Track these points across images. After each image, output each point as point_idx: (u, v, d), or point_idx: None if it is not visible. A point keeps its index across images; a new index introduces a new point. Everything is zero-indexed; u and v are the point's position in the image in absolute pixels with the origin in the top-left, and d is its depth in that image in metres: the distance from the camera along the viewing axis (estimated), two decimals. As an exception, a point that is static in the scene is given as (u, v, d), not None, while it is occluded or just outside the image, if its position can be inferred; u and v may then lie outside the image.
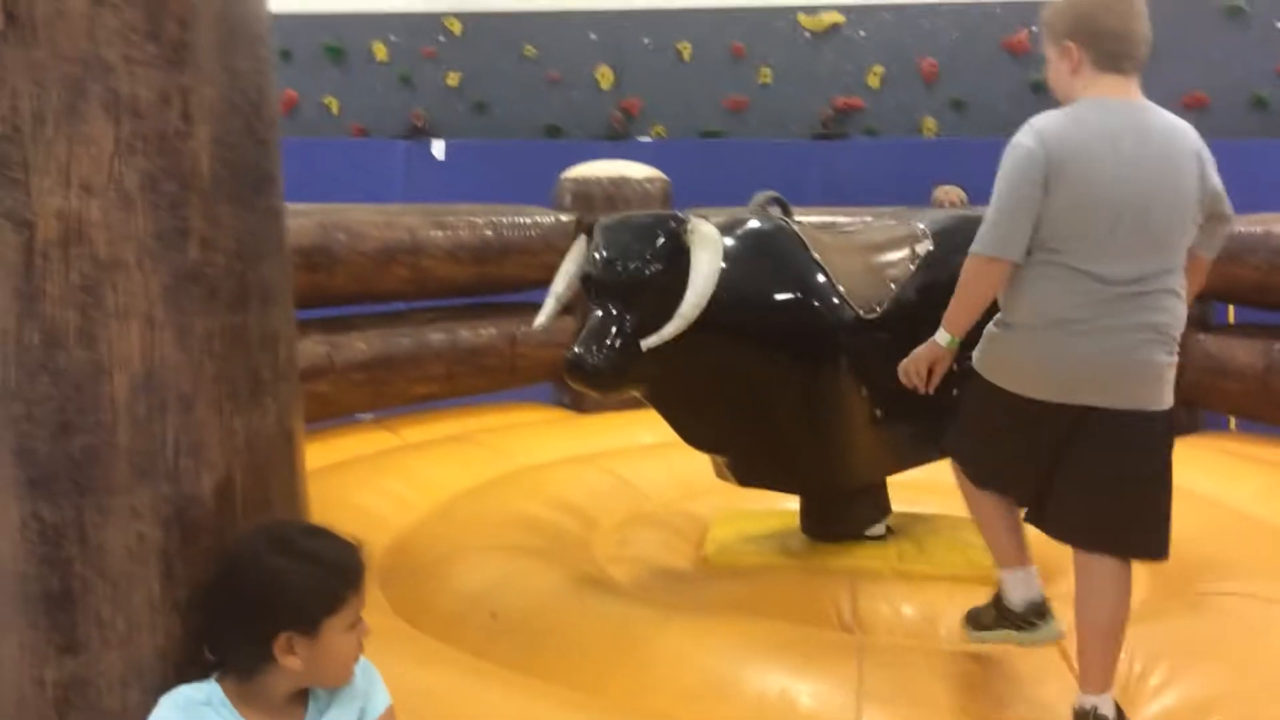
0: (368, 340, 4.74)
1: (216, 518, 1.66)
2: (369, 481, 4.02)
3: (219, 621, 1.62)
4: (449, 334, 5.07)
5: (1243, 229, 4.75)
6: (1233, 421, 5.21)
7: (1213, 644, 2.73)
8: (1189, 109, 6.15)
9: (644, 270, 2.96)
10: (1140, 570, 3.35)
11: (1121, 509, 2.43)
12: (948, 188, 3.72)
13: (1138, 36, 2.42)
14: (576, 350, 2.93)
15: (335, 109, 7.54)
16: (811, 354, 3.19)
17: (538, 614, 2.92)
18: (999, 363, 2.51)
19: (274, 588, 1.58)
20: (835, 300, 3.21)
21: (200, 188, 1.60)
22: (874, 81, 6.73)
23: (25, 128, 1.48)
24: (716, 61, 6.99)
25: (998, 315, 2.54)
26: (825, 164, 6.51)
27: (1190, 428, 5.05)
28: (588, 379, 2.93)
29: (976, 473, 2.65)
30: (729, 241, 3.13)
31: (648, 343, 2.88)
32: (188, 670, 1.63)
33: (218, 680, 1.62)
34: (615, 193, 5.18)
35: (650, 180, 5.35)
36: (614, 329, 2.92)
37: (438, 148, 6.95)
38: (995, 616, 2.72)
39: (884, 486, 3.64)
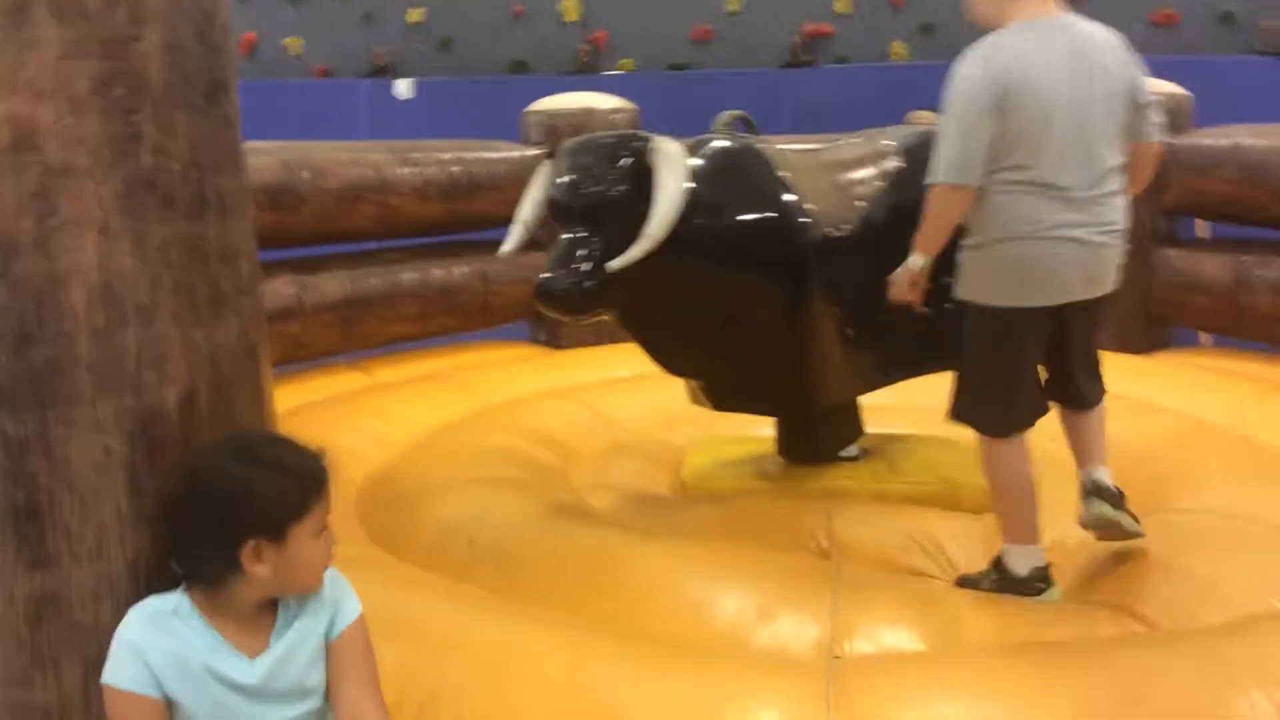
0: (338, 280, 4.69)
1: (181, 430, 1.64)
2: (343, 420, 3.99)
3: (185, 532, 1.60)
4: (420, 273, 5.03)
5: (1209, 143, 4.76)
6: (1204, 336, 5.24)
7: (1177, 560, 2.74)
8: (1158, 26, 6.14)
9: (608, 191, 2.93)
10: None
11: (1096, 367, 2.94)
12: (922, 113, 3.68)
13: None
14: (545, 275, 2.91)
15: (296, 50, 7.40)
16: (780, 274, 3.18)
17: (515, 540, 2.93)
18: (993, 282, 2.66)
19: (239, 495, 1.57)
20: (803, 219, 3.19)
21: (152, 93, 1.56)
22: (843, 7, 6.66)
23: (-31, 32, 1.44)
24: (682, -9, 6.91)
25: (970, 241, 2.67)
26: (796, 93, 6.45)
27: (1160, 343, 5.09)
28: (557, 303, 2.91)
29: (1001, 416, 2.75)
30: (695, 161, 3.10)
31: (614, 265, 2.86)
32: (156, 582, 1.62)
33: (186, 591, 1.62)
34: (582, 125, 5.11)
35: (618, 111, 5.30)
36: (582, 252, 2.90)
37: (404, 86, 6.85)
38: (996, 581, 2.78)
39: (857, 408, 3.65)
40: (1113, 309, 4.91)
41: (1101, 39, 2.65)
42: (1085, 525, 2.84)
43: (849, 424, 3.66)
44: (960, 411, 2.81)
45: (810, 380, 3.34)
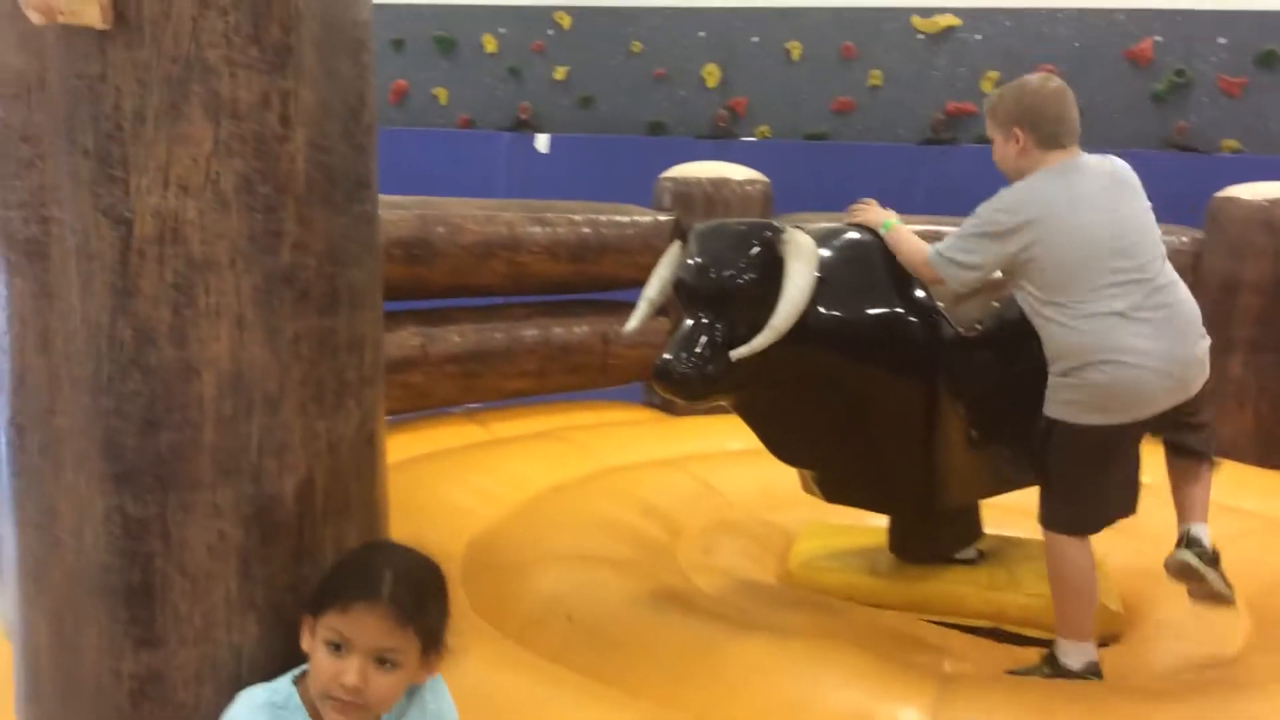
0: (462, 333, 4.76)
1: (296, 519, 1.67)
2: (456, 476, 4.04)
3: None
4: (542, 330, 5.07)
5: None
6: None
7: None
8: None
9: (737, 279, 2.91)
10: (1242, 611, 3.23)
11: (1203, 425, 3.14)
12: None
13: (1071, 120, 2.91)
14: (666, 357, 2.90)
15: (444, 99, 7.61)
16: (906, 371, 3.11)
17: (615, 620, 2.90)
18: (1080, 407, 2.81)
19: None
20: (933, 316, 3.12)
21: (295, 191, 1.60)
22: (988, 87, 6.56)
23: (127, 126, 1.50)
24: (826, 62, 6.89)
25: (1056, 368, 2.84)
26: (933, 170, 6.36)
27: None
28: (675, 386, 2.89)
29: (1089, 520, 2.89)
30: (825, 252, 3.06)
31: (737, 353, 2.83)
32: (263, 669, 1.64)
33: (295, 683, 1.62)
34: (715, 194, 5.13)
35: (751, 182, 5.29)
36: (704, 337, 2.88)
37: (541, 141, 6.98)
38: (1049, 676, 2.84)
39: (977, 509, 3.54)
40: (1256, 419, 4.75)
41: (1118, 164, 2.96)
42: (1170, 571, 3.10)
43: (967, 525, 3.55)
44: (1056, 519, 2.91)
45: (930, 481, 3.25)
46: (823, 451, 3.26)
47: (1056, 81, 2.98)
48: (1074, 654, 2.86)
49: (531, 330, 5.02)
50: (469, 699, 1.83)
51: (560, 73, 7.33)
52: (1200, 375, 2.89)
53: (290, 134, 1.58)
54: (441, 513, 3.64)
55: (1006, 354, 3.16)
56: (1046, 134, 2.89)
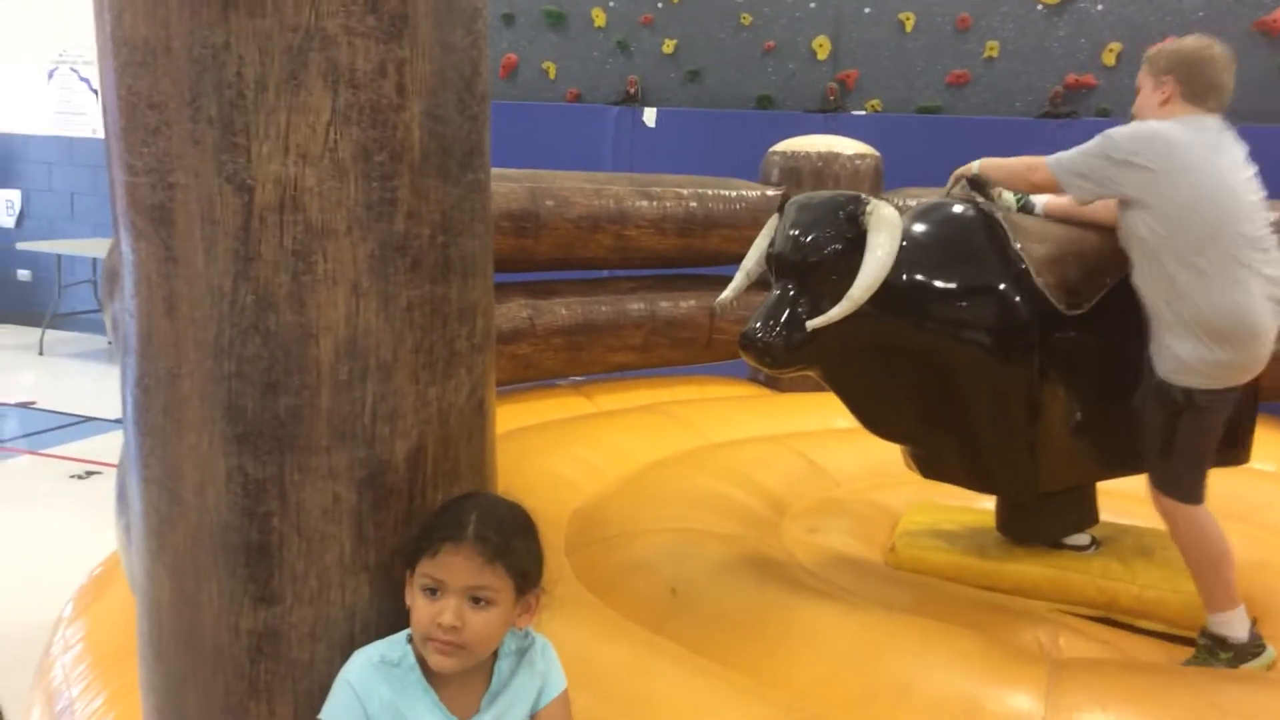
0: (569, 306, 4.80)
1: (407, 484, 1.70)
2: (562, 447, 4.08)
3: None
4: (648, 304, 5.08)
5: None
6: None
7: None
8: None
9: (819, 250, 2.88)
10: None
11: None
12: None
13: (1225, 87, 2.87)
14: (751, 326, 2.91)
15: (553, 73, 7.65)
16: (1001, 348, 3.01)
17: (719, 595, 2.90)
18: (1233, 367, 2.78)
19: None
20: (1032, 294, 3.02)
21: (410, 160, 1.61)
22: (1110, 59, 6.34)
23: (249, 94, 1.53)
24: (940, 34, 6.73)
25: (1205, 330, 2.75)
26: (1051, 144, 6.11)
27: None
28: (758, 355, 2.89)
29: (1202, 485, 2.86)
30: (920, 226, 3.03)
31: (814, 323, 2.82)
32: (376, 628, 1.67)
33: (410, 642, 1.65)
34: (824, 168, 5.06)
35: (861, 156, 5.20)
36: (788, 307, 2.88)
37: (649, 115, 6.96)
38: (1229, 658, 2.80)
39: (1092, 493, 3.43)
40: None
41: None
42: None
43: (1080, 509, 3.44)
44: (1171, 487, 2.89)
45: (1028, 462, 3.16)
46: (914, 427, 3.21)
47: (1224, 48, 2.93)
48: (1235, 623, 2.83)
49: (637, 304, 5.03)
50: (572, 666, 1.84)
51: (669, 46, 7.30)
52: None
53: (406, 103, 1.60)
54: (546, 484, 3.67)
55: (1116, 333, 3.06)
56: (1197, 90, 2.85)
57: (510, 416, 4.40)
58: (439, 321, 1.68)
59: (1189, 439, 2.84)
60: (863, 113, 6.86)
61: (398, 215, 1.61)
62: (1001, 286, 3.02)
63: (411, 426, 1.68)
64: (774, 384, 5.35)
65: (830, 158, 5.16)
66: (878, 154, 5.28)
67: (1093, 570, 3.28)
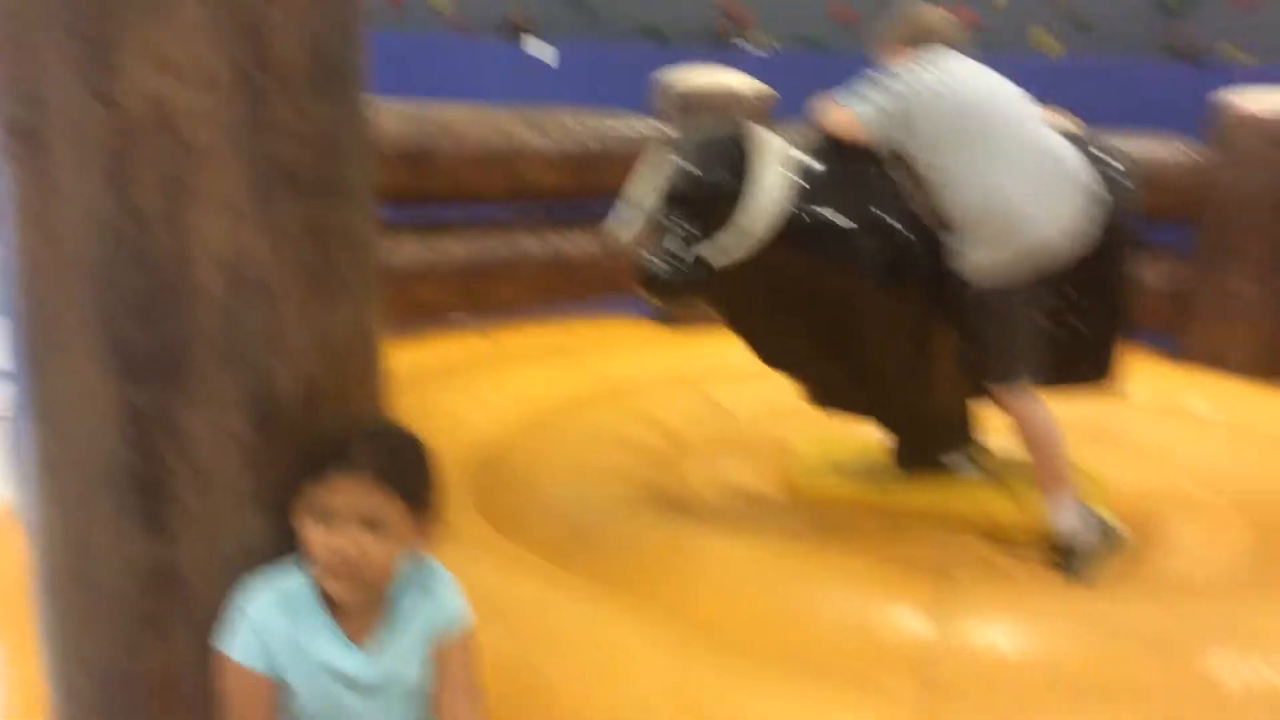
0: (464, 245, 4.74)
1: (299, 413, 1.66)
2: (462, 388, 4.06)
3: None
4: (546, 242, 5.04)
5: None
6: None
7: None
8: None
9: (708, 181, 2.91)
10: (1242, 525, 3.25)
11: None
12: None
13: (948, 38, 3.12)
14: (647, 260, 2.92)
15: (442, 6, 7.46)
16: (891, 279, 3.06)
17: (620, 529, 2.92)
18: (1018, 257, 2.94)
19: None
20: (919, 224, 3.07)
21: (287, 79, 1.56)
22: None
23: (117, 10, 1.46)
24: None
25: (957, 228, 2.96)
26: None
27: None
28: (654, 289, 2.92)
29: (1012, 367, 3.04)
30: (807, 157, 3.06)
31: (705, 255, 2.85)
32: (274, 560, 1.64)
33: (305, 569, 1.63)
34: (715, 101, 5.05)
35: (751, 91, 5.21)
36: (682, 241, 2.90)
37: (543, 50, 6.85)
38: (1065, 552, 2.99)
39: (975, 421, 3.53)
40: (1261, 337, 4.73)
41: None
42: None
43: (964, 434, 3.55)
44: (1005, 372, 3.04)
45: (916, 390, 3.25)
46: (807, 358, 3.26)
47: (939, 12, 3.20)
48: (1067, 510, 3.02)
49: (534, 242, 4.99)
50: (478, 602, 1.82)
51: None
52: (1084, 237, 3.01)
53: (280, 20, 1.54)
54: (448, 424, 3.64)
55: None
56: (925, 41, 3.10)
57: (408, 357, 4.34)
58: (323, 246, 1.64)
59: (984, 327, 3.01)
60: (753, 47, 6.85)
61: (275, 135, 1.56)
62: (890, 217, 3.06)
63: (299, 353, 1.64)
64: (674, 322, 5.37)
65: (720, 91, 5.15)
66: (769, 88, 5.29)
67: (978, 496, 3.39)
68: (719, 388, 4.35)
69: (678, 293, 2.92)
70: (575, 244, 5.13)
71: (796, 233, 2.93)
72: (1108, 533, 3.02)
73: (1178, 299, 5.02)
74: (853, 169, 3.08)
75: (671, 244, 2.90)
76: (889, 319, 3.10)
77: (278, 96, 1.56)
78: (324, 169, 1.64)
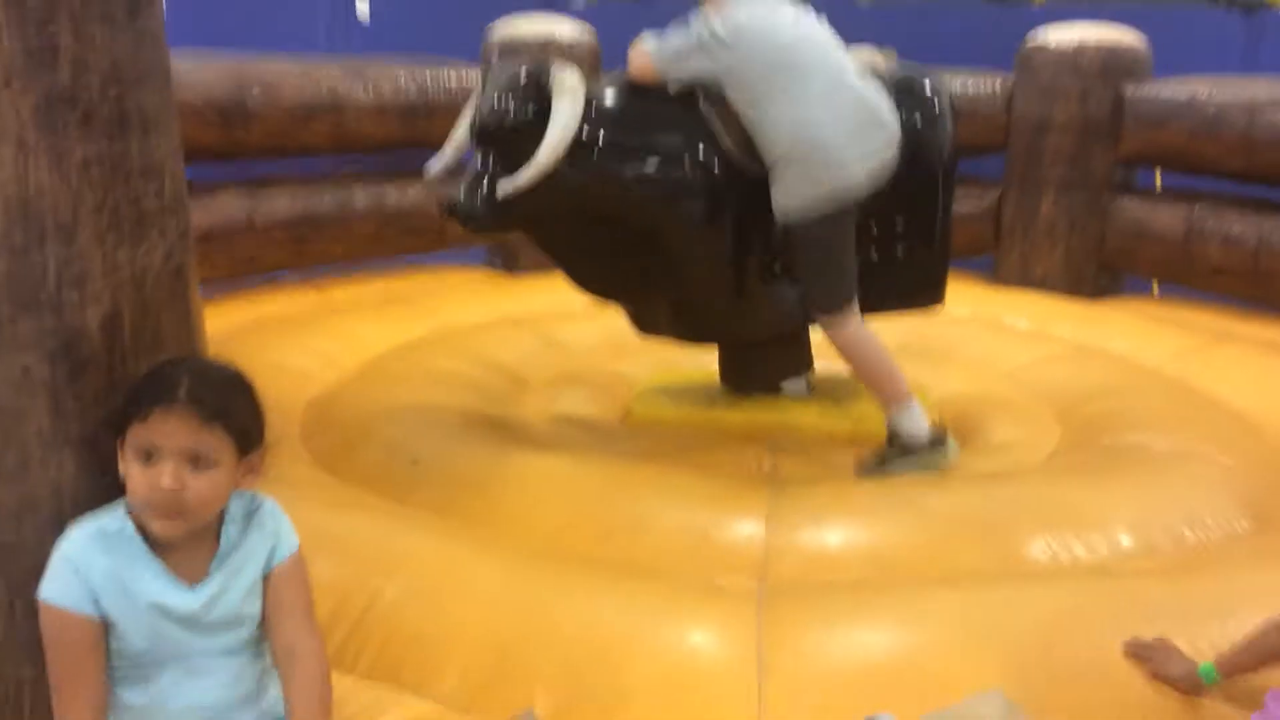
0: (290, 198, 4.63)
1: (105, 353, 1.62)
2: (293, 340, 3.98)
3: None
4: (375, 194, 4.97)
5: (1167, 94, 4.76)
6: (1155, 286, 5.29)
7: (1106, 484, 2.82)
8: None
9: (510, 116, 2.98)
10: (1051, 422, 3.48)
11: None
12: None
13: None
14: (455, 192, 2.99)
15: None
16: (693, 207, 3.14)
17: (460, 462, 2.93)
18: (808, 194, 3.02)
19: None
20: (720, 155, 3.15)
21: (69, 4, 1.51)
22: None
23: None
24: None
25: (774, 166, 3.03)
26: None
27: (1112, 291, 5.13)
28: (461, 219, 3.00)
29: (838, 294, 3.13)
30: (615, 92, 3.13)
31: (503, 187, 2.91)
32: (86, 503, 1.61)
33: (129, 513, 1.60)
34: (542, 49, 5.04)
35: (579, 39, 5.22)
36: (489, 174, 2.96)
37: (361, 6, 6.68)
38: (899, 453, 3.10)
39: (806, 341, 3.66)
40: (1066, 254, 5.02)
41: None
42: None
43: (793, 355, 3.68)
44: (828, 302, 3.14)
45: (730, 314, 3.34)
46: (624, 285, 3.35)
47: None
48: (908, 418, 3.14)
49: (364, 194, 4.91)
50: (310, 537, 1.82)
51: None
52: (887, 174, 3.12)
53: (59, -59, 1.49)
54: (279, 376, 3.57)
55: None
56: None
57: (236, 312, 4.25)
58: (121, 179, 1.60)
59: (807, 258, 3.12)
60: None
61: (61, 63, 1.51)
62: (690, 147, 3.13)
63: (102, 292, 1.60)
64: (511, 267, 5.37)
65: (549, 39, 5.14)
66: (595, 34, 5.30)
67: (811, 411, 3.54)
68: (557, 327, 4.39)
69: (481, 223, 2.99)
70: (407, 195, 5.06)
71: (588, 163, 3.00)
72: (939, 440, 3.16)
73: (992, 223, 5.26)
74: (656, 106, 3.13)
75: (475, 177, 2.97)
76: (699, 247, 3.18)
77: (60, 23, 1.50)
78: (118, 99, 1.59)
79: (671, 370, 3.93)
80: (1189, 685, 1.91)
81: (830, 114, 3.01)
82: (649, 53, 3.09)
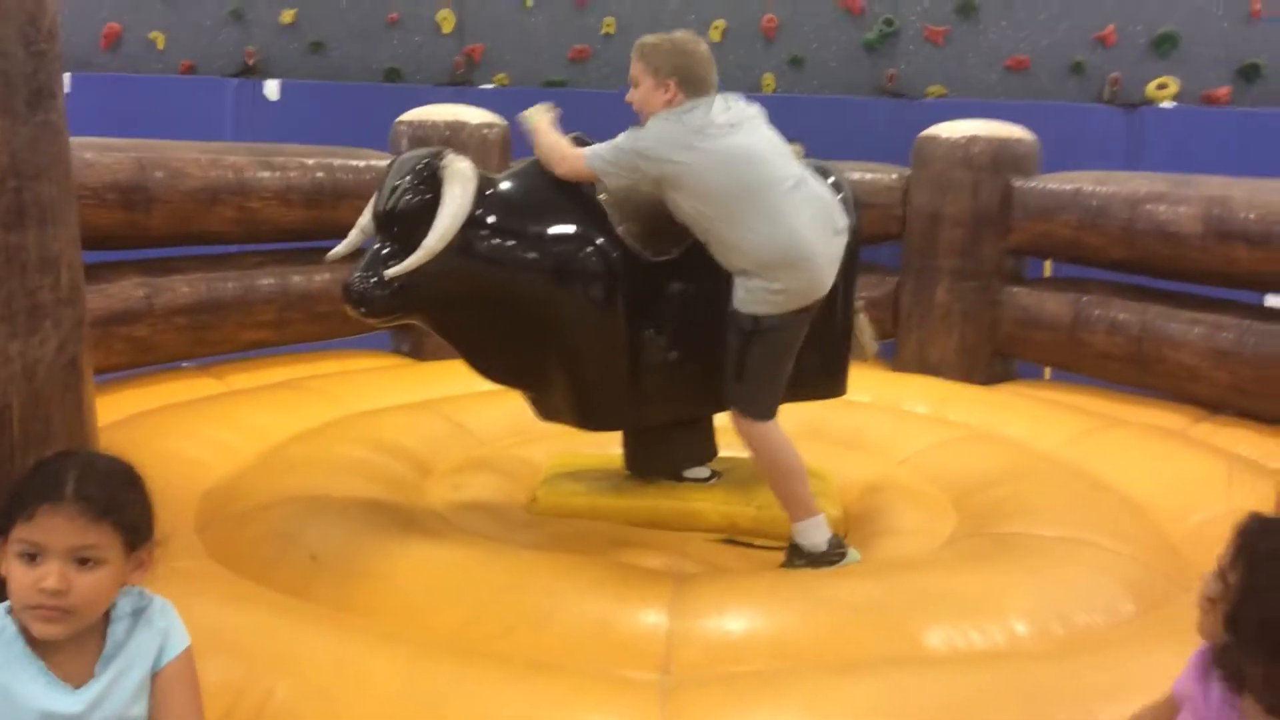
0: (191, 283, 4.56)
1: (-4, 444, 1.59)
2: (189, 428, 3.88)
3: None
4: (279, 279, 4.93)
5: (1054, 187, 4.99)
6: (1047, 371, 5.48)
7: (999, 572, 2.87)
8: (1012, 71, 6.41)
9: (403, 202, 3.03)
10: (948, 508, 3.56)
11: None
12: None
13: (713, 81, 3.15)
14: (350, 276, 3.03)
15: (161, 44, 7.19)
16: (581, 292, 3.20)
17: (361, 554, 2.88)
18: (795, 293, 3.07)
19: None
20: (612, 241, 3.21)
21: (-35, 94, 1.51)
22: (716, 35, 6.78)
23: None
24: (560, 10, 6.93)
25: (766, 267, 3.04)
26: (667, 116, 6.51)
27: (1005, 376, 5.30)
28: (354, 303, 3.03)
29: (777, 402, 3.18)
30: (509, 178, 3.24)
31: (391, 272, 2.96)
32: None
33: (9, 613, 1.55)
34: (452, 137, 5.10)
35: (489, 126, 5.29)
36: (383, 258, 3.01)
37: (271, 88, 6.71)
38: (805, 565, 3.13)
39: (708, 428, 3.70)
40: (961, 341, 5.19)
41: (743, 100, 3.26)
42: None
43: (697, 443, 3.71)
44: (749, 407, 3.18)
45: (623, 400, 3.36)
46: (521, 370, 3.37)
47: (705, 45, 3.22)
48: (812, 531, 3.18)
49: (267, 279, 4.87)
50: (202, 634, 1.78)
51: (288, 15, 7.06)
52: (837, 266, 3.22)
53: (-41, 35, 1.49)
54: (173, 466, 3.47)
55: (704, 278, 3.28)
56: (695, 82, 3.11)
57: (130, 402, 4.14)
58: (16, 270, 1.59)
59: (759, 361, 3.14)
60: (491, 86, 6.96)
61: (-43, 154, 1.50)
62: (579, 235, 3.20)
63: (-5, 384, 1.57)
64: (416, 353, 5.35)
65: (458, 126, 5.20)
66: (505, 122, 5.38)
67: (715, 498, 3.57)
68: (463, 412, 4.36)
69: (373, 307, 3.02)
70: (313, 281, 5.03)
71: (486, 247, 3.08)
72: (839, 552, 3.19)
73: (891, 310, 5.42)
74: (549, 194, 3.22)
75: (370, 262, 3.01)
76: (591, 332, 3.22)
77: (-48, 112, 1.50)
78: (16, 191, 1.58)
79: (577, 456, 3.93)
80: None
81: (803, 219, 3.07)
82: (585, 156, 3.11)
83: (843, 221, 3.22)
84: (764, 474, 3.25)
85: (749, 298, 3.09)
